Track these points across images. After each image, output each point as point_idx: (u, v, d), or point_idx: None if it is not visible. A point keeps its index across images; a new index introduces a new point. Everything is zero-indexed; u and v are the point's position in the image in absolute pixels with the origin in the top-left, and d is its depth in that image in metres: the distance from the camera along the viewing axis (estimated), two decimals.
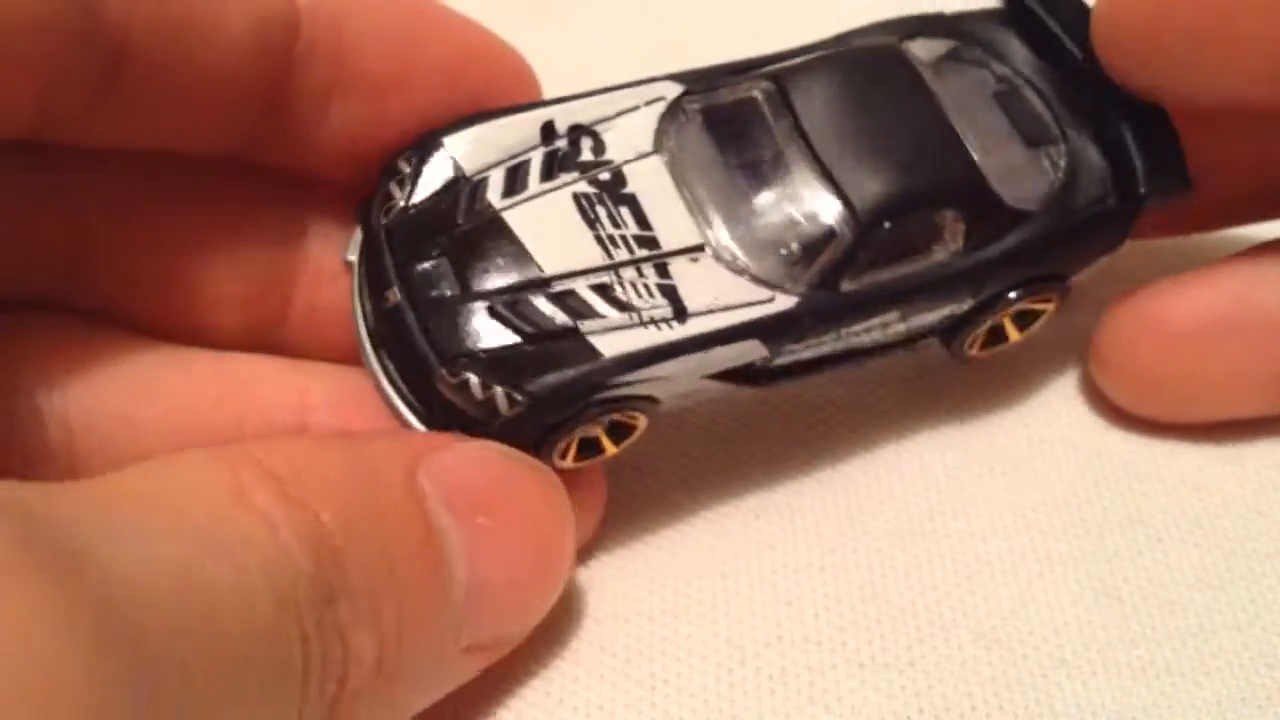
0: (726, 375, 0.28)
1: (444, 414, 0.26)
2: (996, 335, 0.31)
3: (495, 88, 0.29)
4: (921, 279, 0.28)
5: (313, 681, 0.21)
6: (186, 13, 0.26)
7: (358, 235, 0.28)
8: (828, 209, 0.28)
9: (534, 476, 0.26)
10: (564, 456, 0.27)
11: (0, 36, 0.23)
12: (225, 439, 0.28)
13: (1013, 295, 0.30)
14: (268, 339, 0.30)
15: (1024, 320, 0.31)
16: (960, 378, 0.33)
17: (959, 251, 0.29)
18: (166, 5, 0.25)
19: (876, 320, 0.29)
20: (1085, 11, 0.31)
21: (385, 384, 0.27)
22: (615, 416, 0.27)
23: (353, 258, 0.28)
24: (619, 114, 0.29)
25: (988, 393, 0.33)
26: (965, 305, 0.29)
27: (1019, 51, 0.31)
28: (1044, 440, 0.32)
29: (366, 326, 0.27)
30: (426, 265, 0.27)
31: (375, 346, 0.27)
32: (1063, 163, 0.30)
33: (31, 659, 0.16)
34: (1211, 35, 0.28)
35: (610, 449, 0.28)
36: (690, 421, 0.33)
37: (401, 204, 0.28)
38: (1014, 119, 0.30)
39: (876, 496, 0.31)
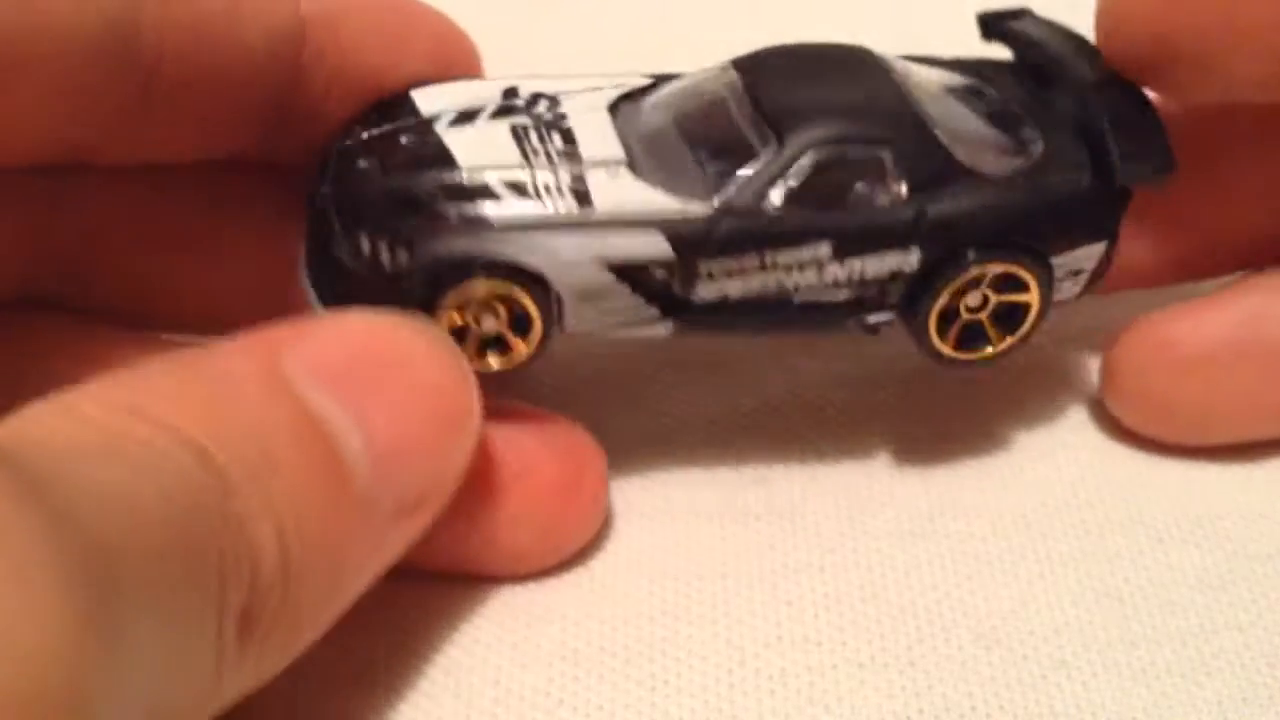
0: (640, 288, 0.28)
1: (343, 289, 0.27)
2: (974, 333, 0.29)
3: (465, 72, 0.31)
4: (855, 214, 0.28)
5: (228, 573, 0.21)
6: (211, 31, 0.27)
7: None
8: (758, 140, 0.28)
9: (406, 331, 0.26)
10: (478, 357, 0.28)
11: (43, 64, 0.24)
12: None
13: (970, 255, 0.28)
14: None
15: (1004, 320, 0.29)
16: (961, 379, 0.33)
17: (901, 198, 0.28)
18: (194, 25, 0.26)
19: (807, 253, 0.28)
20: (1083, 40, 0.31)
21: (305, 272, 0.28)
22: (503, 290, 0.27)
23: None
24: (584, 89, 0.30)
25: (989, 394, 0.33)
26: (913, 260, 0.28)
27: (1017, 86, 0.31)
28: (1045, 441, 0.32)
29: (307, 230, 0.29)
30: (359, 168, 0.28)
31: (305, 241, 0.28)
32: (1037, 150, 0.29)
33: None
34: (1218, 27, 0.28)
35: (520, 347, 0.28)
36: (691, 422, 0.33)
37: (359, 136, 0.29)
38: (998, 129, 0.30)
39: (876, 497, 0.31)
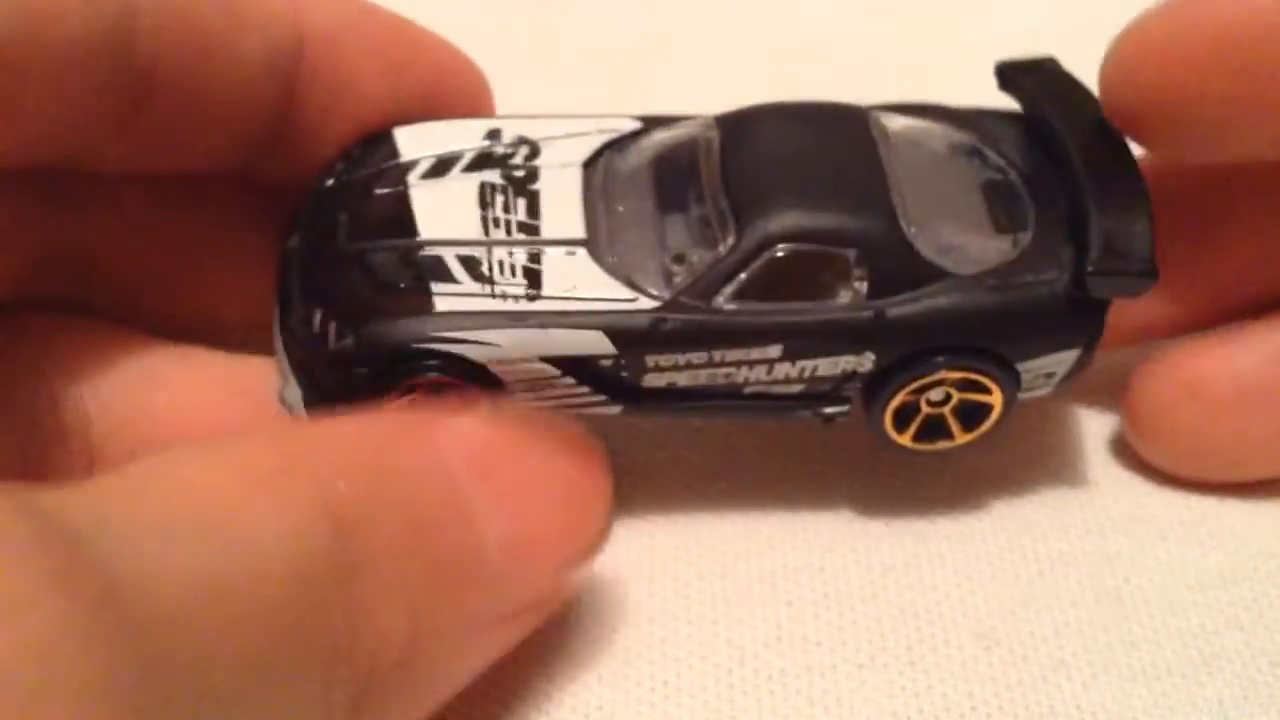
0: (588, 379, 0.27)
1: (295, 348, 0.27)
2: (936, 427, 0.29)
3: (467, 101, 0.31)
4: (808, 316, 0.27)
5: (341, 660, 0.20)
6: (207, 43, 0.27)
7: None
8: (718, 229, 0.27)
9: (556, 428, 0.26)
10: None
11: (38, 68, 0.24)
12: (235, 428, 0.28)
13: (936, 360, 0.27)
14: (270, 339, 0.30)
15: (966, 417, 0.28)
16: None
17: (860, 299, 0.27)
18: (191, 36, 0.26)
19: (756, 353, 0.27)
20: (1097, 109, 0.29)
21: (275, 325, 0.28)
22: (450, 379, 0.27)
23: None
24: (567, 135, 0.30)
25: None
26: (867, 363, 0.27)
27: (1023, 146, 0.30)
28: (1045, 441, 0.32)
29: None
30: (328, 222, 0.28)
31: (275, 291, 0.28)
32: (1024, 240, 0.28)
33: (24, 643, 0.15)
34: (1240, 97, 0.27)
35: None
36: (691, 423, 0.33)
37: (340, 176, 0.29)
38: (990, 205, 0.29)
39: (876, 497, 0.31)
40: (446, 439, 0.24)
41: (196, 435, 0.28)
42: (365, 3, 0.30)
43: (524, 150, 0.29)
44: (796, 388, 0.28)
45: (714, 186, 0.28)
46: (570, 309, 0.27)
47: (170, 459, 0.21)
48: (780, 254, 0.27)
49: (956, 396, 0.28)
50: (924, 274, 0.27)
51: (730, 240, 0.27)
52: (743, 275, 0.27)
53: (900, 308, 0.27)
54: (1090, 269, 0.27)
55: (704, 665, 0.28)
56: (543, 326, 0.26)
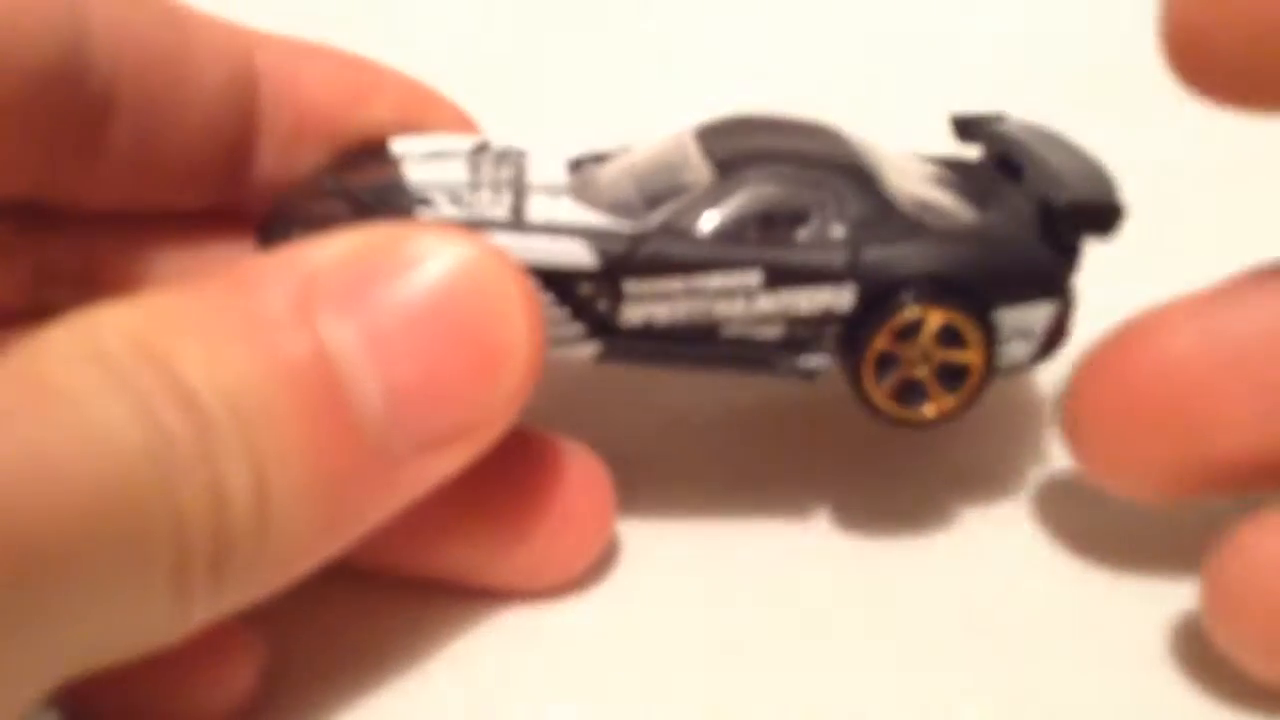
0: (566, 300, 0.27)
1: None
2: (915, 391, 0.28)
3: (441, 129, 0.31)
4: (788, 248, 0.28)
5: (188, 526, 0.21)
6: (165, 69, 0.27)
7: None
8: (695, 174, 0.28)
9: (452, 254, 0.25)
10: None
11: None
12: None
13: (907, 295, 0.27)
14: None
15: (947, 379, 0.28)
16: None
17: (838, 239, 0.28)
18: (148, 62, 0.27)
19: (736, 279, 0.27)
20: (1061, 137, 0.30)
21: None
22: None
23: None
24: (554, 145, 0.31)
25: (987, 394, 0.33)
26: (845, 298, 0.28)
27: (984, 177, 0.31)
28: (1040, 436, 0.32)
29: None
30: (316, 184, 0.29)
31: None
32: (995, 215, 0.29)
33: None
34: None
35: None
36: (690, 421, 0.33)
37: (336, 172, 0.30)
38: (955, 193, 0.30)
39: (871, 492, 0.31)
40: (325, 287, 0.23)
41: None
42: (316, 43, 0.31)
43: (511, 154, 0.30)
44: (775, 330, 0.28)
45: (695, 160, 0.29)
46: (553, 224, 0.27)
47: (39, 339, 0.22)
48: (759, 191, 0.27)
49: (937, 355, 0.28)
50: (901, 222, 0.28)
51: (702, 177, 0.28)
52: (723, 207, 0.28)
53: (876, 248, 0.28)
54: (1061, 204, 0.28)
55: (697, 656, 0.28)
56: (526, 233, 0.27)
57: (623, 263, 0.27)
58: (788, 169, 0.28)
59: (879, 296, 0.28)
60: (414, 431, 0.24)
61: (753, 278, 0.27)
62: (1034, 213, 0.29)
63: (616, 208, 0.28)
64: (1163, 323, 0.28)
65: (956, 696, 0.27)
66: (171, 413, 0.21)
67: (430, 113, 0.31)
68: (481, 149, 0.30)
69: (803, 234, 0.28)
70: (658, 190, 0.28)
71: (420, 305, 0.24)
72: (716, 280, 0.27)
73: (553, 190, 0.29)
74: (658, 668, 0.28)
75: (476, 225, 0.27)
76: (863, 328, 0.28)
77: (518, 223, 0.27)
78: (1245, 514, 0.26)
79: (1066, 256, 0.29)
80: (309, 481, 0.23)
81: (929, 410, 0.29)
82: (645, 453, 0.32)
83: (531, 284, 0.26)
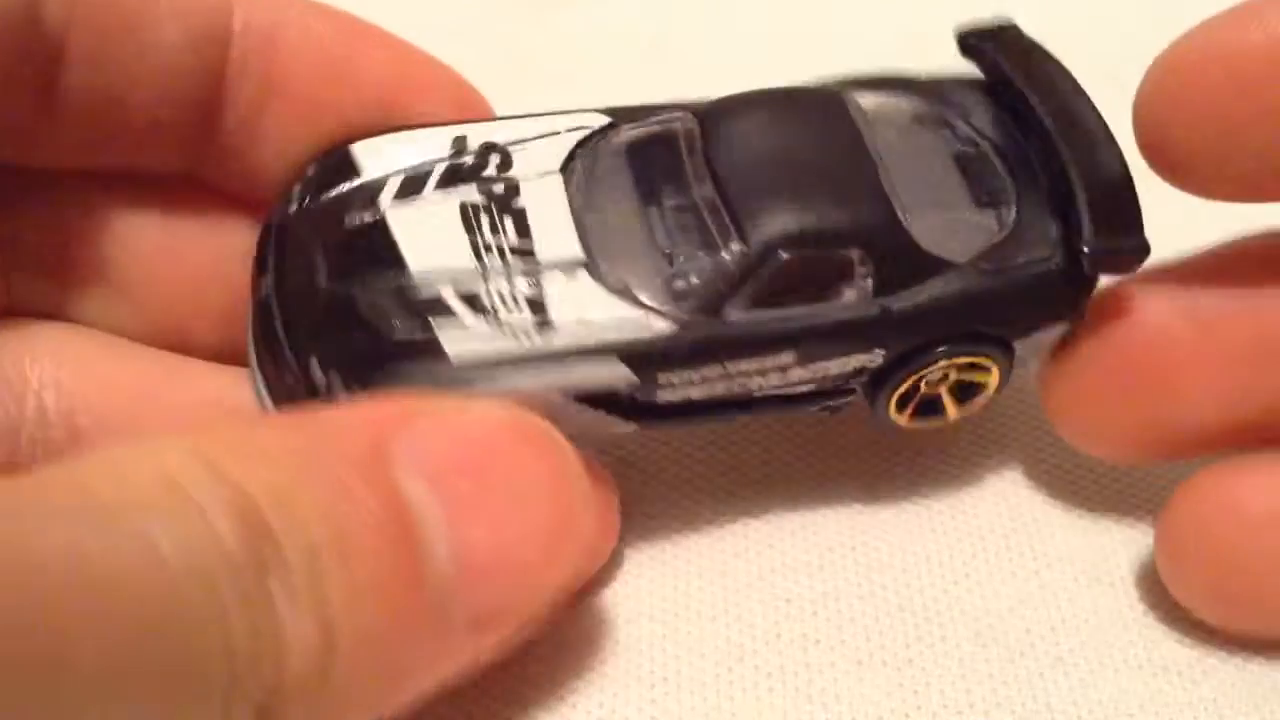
0: (601, 404, 0.27)
1: (289, 399, 0.26)
2: (931, 406, 0.29)
3: (431, 109, 0.29)
4: (820, 321, 0.27)
5: (239, 667, 0.19)
6: (122, 18, 0.26)
7: None
8: (720, 238, 0.27)
9: (526, 430, 0.24)
10: None
11: None
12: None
13: (940, 350, 0.27)
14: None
15: (962, 394, 0.29)
16: None
17: (866, 297, 0.27)
18: (104, 18, 0.26)
19: (769, 361, 0.27)
20: (1063, 75, 0.29)
21: (257, 376, 0.27)
22: None
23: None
24: (537, 137, 0.28)
25: None
26: (877, 358, 0.28)
27: (990, 115, 0.30)
28: (1040, 438, 0.32)
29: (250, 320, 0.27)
30: (302, 259, 0.27)
31: (252, 340, 0.27)
32: (1010, 222, 0.28)
33: None
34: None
35: None
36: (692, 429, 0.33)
37: (298, 204, 0.28)
38: (968, 179, 0.29)
39: (874, 495, 0.31)
40: (405, 441, 0.23)
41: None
42: (314, 2, 0.29)
43: (495, 159, 0.28)
44: (807, 387, 0.28)
45: (702, 183, 0.27)
46: (585, 343, 0.26)
47: (98, 453, 0.20)
48: (785, 259, 0.26)
49: (954, 377, 0.28)
50: (924, 265, 0.27)
51: (733, 247, 0.26)
52: (750, 284, 0.26)
53: (905, 301, 0.27)
54: (1086, 249, 0.27)
55: (703, 662, 0.28)
56: (562, 364, 0.26)
57: (659, 364, 0.26)
58: (811, 223, 0.26)
59: (909, 353, 0.28)
60: (474, 604, 0.23)
61: (786, 356, 0.27)
62: (1052, 216, 0.28)
63: (641, 284, 0.26)
64: (1138, 294, 0.28)
65: (965, 707, 0.27)
66: (234, 539, 0.19)
67: (418, 84, 0.29)
68: (459, 150, 0.28)
69: (831, 293, 0.27)
70: (680, 246, 0.27)
71: (498, 481, 0.24)
72: (750, 364, 0.27)
73: (566, 267, 0.27)
74: (660, 671, 0.28)
75: (512, 362, 0.25)
76: (890, 376, 0.28)
77: (548, 350, 0.26)
78: (1194, 473, 0.28)
79: (1087, 282, 0.28)
80: (376, 630, 0.21)
81: (943, 420, 0.29)
82: (645, 450, 0.32)
83: (598, 469, 0.26)
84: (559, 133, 0.29)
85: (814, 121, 0.28)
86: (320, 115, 0.28)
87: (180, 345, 0.29)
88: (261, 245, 0.28)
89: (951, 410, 0.29)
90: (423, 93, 0.29)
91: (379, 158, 0.28)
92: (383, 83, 0.29)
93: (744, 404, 0.28)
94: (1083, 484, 0.31)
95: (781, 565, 0.30)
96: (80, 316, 0.29)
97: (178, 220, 0.29)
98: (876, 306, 0.27)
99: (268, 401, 0.27)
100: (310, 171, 0.28)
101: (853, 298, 0.27)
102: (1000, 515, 0.31)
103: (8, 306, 0.29)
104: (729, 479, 0.32)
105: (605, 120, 0.29)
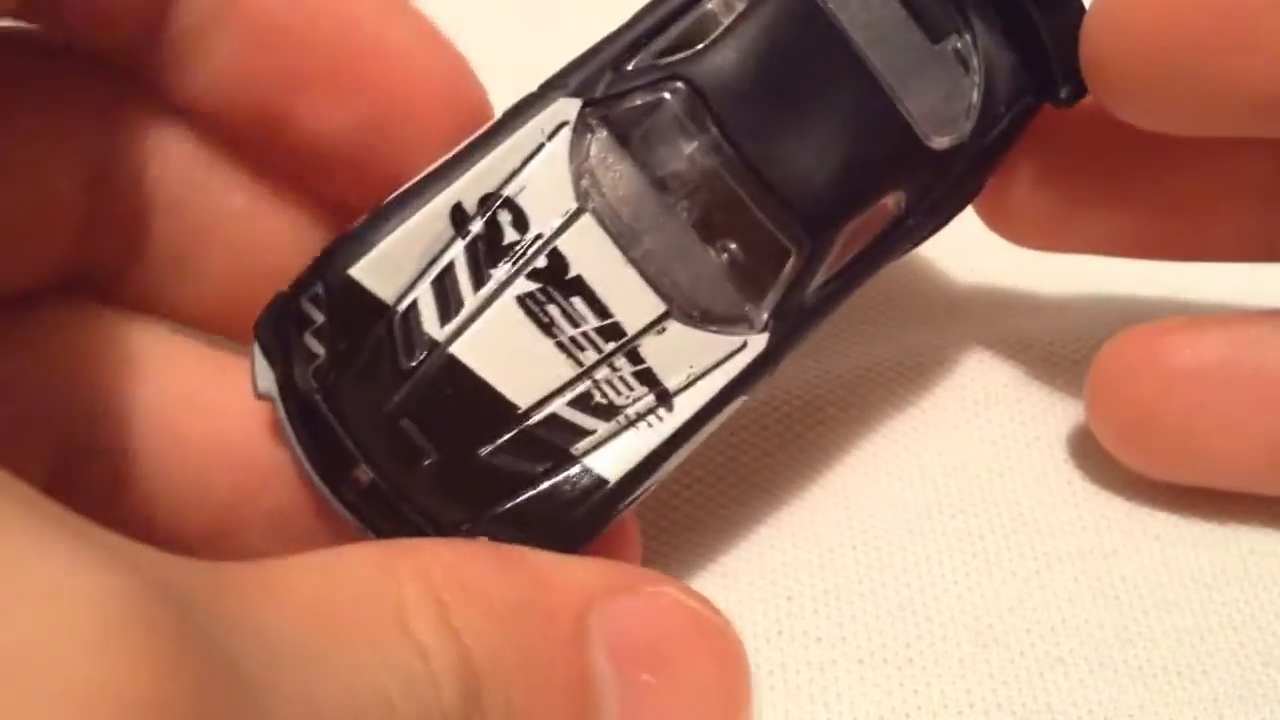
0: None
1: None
2: None
3: (404, 91, 0.26)
4: (869, 260, 0.27)
5: None
6: None
7: (261, 361, 0.25)
8: (778, 226, 0.26)
9: (714, 633, 0.24)
10: None
11: None
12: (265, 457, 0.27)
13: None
14: None
15: None
16: (959, 381, 0.33)
17: (901, 217, 0.27)
18: None
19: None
20: None
21: (323, 489, 0.25)
22: None
23: (268, 390, 0.25)
24: (525, 162, 0.25)
25: (986, 394, 0.33)
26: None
27: None
28: (1041, 440, 0.32)
29: (337, 498, 0.25)
30: (390, 429, 0.24)
31: (358, 519, 0.25)
32: (975, 62, 0.27)
33: None
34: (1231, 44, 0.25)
35: None
36: None
37: (326, 359, 0.25)
38: (916, 14, 0.27)
39: (875, 495, 0.31)
40: (602, 619, 0.22)
41: (192, 428, 0.27)
42: None
43: (507, 218, 0.25)
44: None
45: (729, 166, 0.26)
46: (707, 397, 0.25)
47: (333, 564, 0.20)
48: (847, 231, 0.26)
49: None
50: (945, 167, 0.27)
51: (792, 235, 0.26)
52: (817, 264, 0.26)
53: (927, 207, 0.27)
54: (1064, 95, 0.27)
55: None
56: (699, 430, 0.26)
57: (764, 376, 0.26)
58: (860, 187, 0.26)
59: None
60: None
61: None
62: (1009, 44, 0.27)
63: (727, 313, 0.26)
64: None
65: (966, 706, 0.27)
66: (454, 710, 0.19)
67: (396, 56, 0.26)
68: (462, 223, 0.25)
69: (873, 231, 0.27)
70: (745, 259, 0.26)
71: (677, 680, 0.23)
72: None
73: (655, 326, 0.25)
74: None
75: (662, 451, 0.25)
76: None
77: (681, 425, 0.25)
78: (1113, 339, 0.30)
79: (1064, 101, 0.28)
80: None
81: None
82: None
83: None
84: (542, 145, 0.25)
85: (805, 44, 0.26)
86: (274, 47, 0.26)
87: (233, 333, 0.28)
88: (314, 421, 0.25)
89: None
90: (399, 68, 0.27)
91: (386, 271, 0.25)
92: (352, 39, 0.26)
93: None
94: (1082, 488, 0.31)
95: (782, 565, 0.30)
96: (142, 290, 0.28)
97: (257, 196, 0.28)
98: (911, 221, 0.27)
99: (339, 508, 0.25)
100: (315, 314, 0.25)
101: (888, 224, 0.27)
102: (1000, 517, 0.31)
103: (71, 274, 0.27)
104: (730, 480, 0.32)
105: (575, 104, 0.25)
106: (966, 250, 0.35)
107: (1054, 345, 0.34)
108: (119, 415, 0.26)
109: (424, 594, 0.20)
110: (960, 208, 0.28)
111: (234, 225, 0.28)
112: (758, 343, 0.26)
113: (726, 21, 0.26)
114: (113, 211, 0.27)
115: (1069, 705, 0.27)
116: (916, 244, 0.28)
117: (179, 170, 0.27)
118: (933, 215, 0.28)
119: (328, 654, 0.18)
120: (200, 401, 0.27)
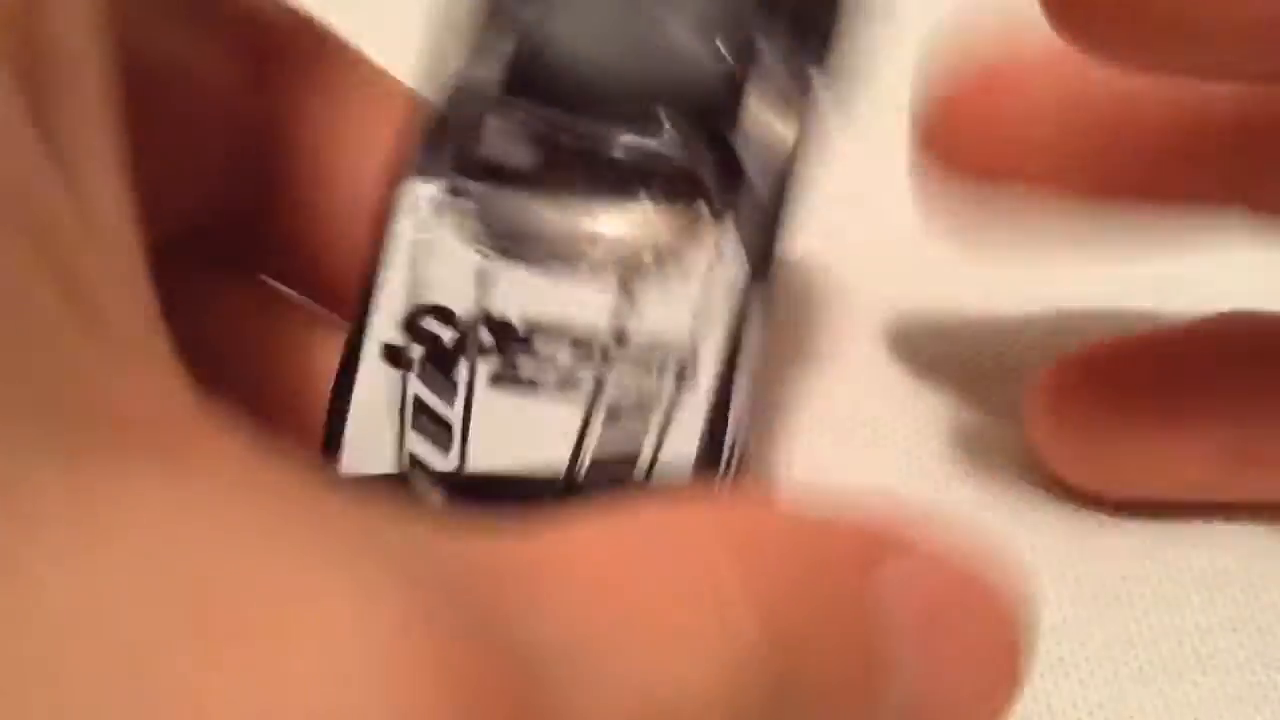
0: None
1: None
2: None
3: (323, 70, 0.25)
4: None
5: None
6: None
7: None
8: (649, 135, 0.23)
9: (999, 596, 0.22)
10: None
11: None
12: None
13: None
14: None
15: None
16: (959, 382, 0.33)
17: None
18: None
19: None
20: None
21: None
22: None
23: None
24: (415, 262, 0.23)
25: (986, 394, 0.33)
26: None
27: None
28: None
29: None
30: None
31: None
32: None
33: None
34: None
35: None
36: None
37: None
38: None
39: (875, 495, 0.31)
40: (887, 577, 0.20)
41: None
42: None
43: (434, 324, 0.23)
44: None
45: (571, 125, 0.24)
46: (722, 344, 0.23)
47: (637, 537, 0.18)
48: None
49: None
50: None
51: (685, 137, 0.23)
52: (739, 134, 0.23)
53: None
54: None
55: None
56: (734, 381, 0.23)
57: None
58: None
59: None
60: None
61: None
62: None
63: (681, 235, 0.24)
64: None
65: None
66: (761, 671, 0.17)
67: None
68: (398, 361, 0.23)
69: None
70: (669, 183, 0.24)
71: (970, 643, 0.21)
72: None
73: (627, 306, 0.23)
74: None
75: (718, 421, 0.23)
76: None
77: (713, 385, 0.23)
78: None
79: None
80: None
81: None
82: None
83: None
84: (419, 238, 0.24)
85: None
86: None
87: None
88: None
89: None
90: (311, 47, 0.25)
91: (377, 449, 0.23)
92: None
93: None
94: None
95: None
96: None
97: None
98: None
99: None
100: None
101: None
102: (999, 518, 0.31)
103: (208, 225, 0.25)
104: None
105: (430, 188, 0.24)
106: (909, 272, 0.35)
107: (1049, 348, 0.34)
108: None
109: (733, 565, 0.18)
110: None
111: None
112: (727, 246, 0.23)
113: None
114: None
115: (1069, 706, 0.27)
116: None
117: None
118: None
119: (637, 657, 0.16)
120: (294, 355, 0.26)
